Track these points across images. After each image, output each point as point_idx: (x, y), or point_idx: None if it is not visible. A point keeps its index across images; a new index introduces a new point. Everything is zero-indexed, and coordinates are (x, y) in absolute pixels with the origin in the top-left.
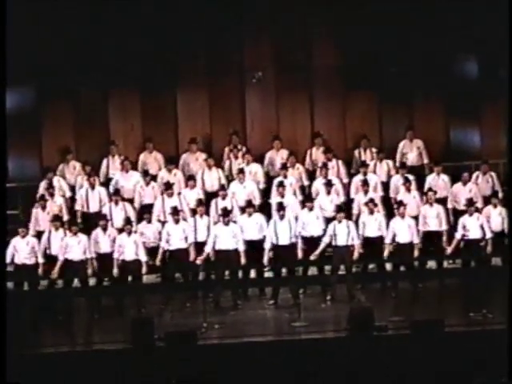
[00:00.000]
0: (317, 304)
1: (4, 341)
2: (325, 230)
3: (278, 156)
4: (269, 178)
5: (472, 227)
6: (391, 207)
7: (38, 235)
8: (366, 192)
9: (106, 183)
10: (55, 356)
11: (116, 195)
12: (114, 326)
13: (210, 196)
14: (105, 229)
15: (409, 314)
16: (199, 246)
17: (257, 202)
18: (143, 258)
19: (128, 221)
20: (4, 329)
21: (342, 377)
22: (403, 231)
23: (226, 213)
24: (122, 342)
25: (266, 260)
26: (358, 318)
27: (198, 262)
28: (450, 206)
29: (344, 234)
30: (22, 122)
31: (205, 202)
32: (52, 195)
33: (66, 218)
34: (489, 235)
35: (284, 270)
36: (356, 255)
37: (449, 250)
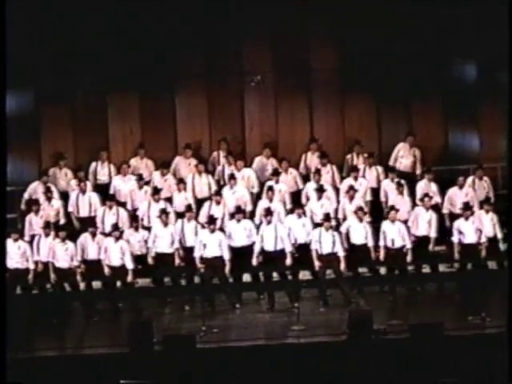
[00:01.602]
0: (315, 308)
1: (4, 342)
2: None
3: (268, 163)
4: (260, 184)
5: (467, 231)
6: (380, 212)
7: (32, 240)
8: (351, 198)
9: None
10: (53, 359)
11: (110, 200)
12: (112, 329)
13: (200, 202)
14: (94, 235)
15: (408, 318)
16: (186, 251)
17: (248, 207)
18: (129, 265)
19: (116, 226)
20: (4, 330)
21: (341, 381)
22: (394, 236)
23: (212, 220)
24: (120, 345)
25: (254, 261)
26: (357, 322)
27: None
28: (445, 211)
29: (329, 242)
30: (21, 125)
31: (194, 208)
32: (49, 199)
33: (62, 221)
34: (484, 239)
35: (275, 275)
36: (343, 266)
37: (456, 255)
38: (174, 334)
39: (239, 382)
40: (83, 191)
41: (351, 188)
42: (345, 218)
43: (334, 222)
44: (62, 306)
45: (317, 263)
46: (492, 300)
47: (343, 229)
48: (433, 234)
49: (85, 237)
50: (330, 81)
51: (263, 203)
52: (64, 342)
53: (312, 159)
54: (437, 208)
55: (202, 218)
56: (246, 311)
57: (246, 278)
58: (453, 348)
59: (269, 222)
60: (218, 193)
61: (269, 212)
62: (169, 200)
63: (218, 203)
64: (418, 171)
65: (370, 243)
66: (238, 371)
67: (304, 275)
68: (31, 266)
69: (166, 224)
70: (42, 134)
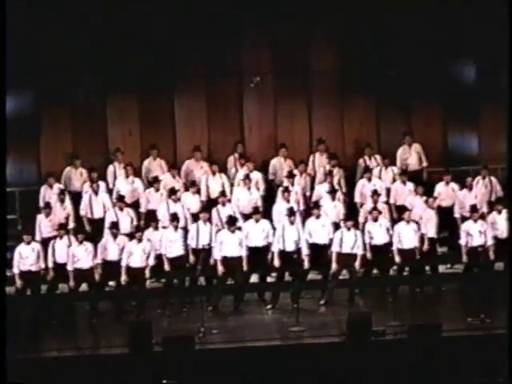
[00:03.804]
0: (315, 309)
1: (4, 342)
2: (331, 239)
3: (285, 164)
4: (271, 186)
5: (475, 233)
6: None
7: (42, 242)
8: (375, 202)
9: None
10: (54, 360)
11: (120, 201)
12: (112, 330)
13: (214, 202)
14: (115, 236)
15: (407, 319)
16: (199, 252)
17: (260, 209)
18: (151, 261)
19: (138, 228)
20: (4, 331)
21: (340, 382)
22: (409, 236)
23: (232, 220)
24: (120, 346)
25: (277, 263)
26: (356, 323)
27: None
28: (457, 215)
29: (351, 241)
30: (20, 126)
31: (208, 209)
32: (62, 201)
33: (71, 224)
34: (490, 242)
35: (287, 275)
36: (359, 264)
37: (464, 258)
38: (172, 336)
39: (238, 383)
40: (95, 192)
41: (375, 192)
42: (365, 221)
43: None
44: (68, 307)
45: (334, 265)
46: (492, 301)
47: (366, 234)
48: (434, 235)
49: (106, 239)
50: (329, 82)
51: (280, 205)
52: (64, 343)
53: (321, 160)
54: (451, 210)
55: (214, 220)
56: (245, 312)
57: (254, 278)
58: (451, 349)
59: (292, 223)
60: (223, 194)
61: (292, 212)
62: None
63: (224, 204)
64: (424, 164)
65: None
66: (236, 372)
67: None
68: (43, 265)
69: (176, 227)
70: (42, 135)
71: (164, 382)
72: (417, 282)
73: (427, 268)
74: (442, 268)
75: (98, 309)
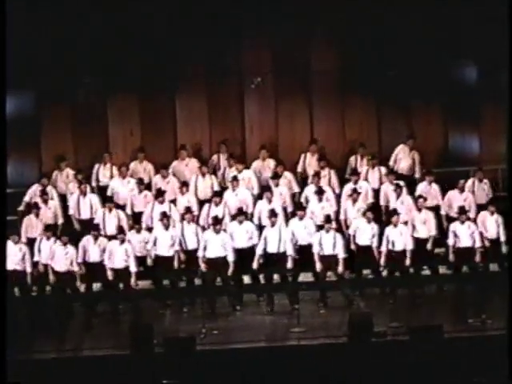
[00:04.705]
0: (315, 310)
1: (4, 343)
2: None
3: (265, 165)
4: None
5: (463, 235)
6: (380, 214)
7: (29, 242)
8: (354, 201)
9: (96, 189)
10: (54, 361)
11: (110, 202)
12: (113, 331)
13: (203, 203)
14: (96, 238)
15: (407, 320)
16: (186, 254)
17: (250, 209)
18: (133, 268)
19: (121, 229)
20: (4, 331)
21: (341, 383)
22: (396, 239)
23: (217, 221)
24: (121, 347)
25: (255, 265)
26: (357, 324)
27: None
28: (443, 212)
29: (330, 244)
30: (21, 126)
31: (197, 209)
32: (46, 201)
33: (60, 221)
34: (478, 244)
35: (276, 277)
36: (341, 268)
37: (451, 257)
38: (174, 336)
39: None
40: (84, 194)
41: (354, 191)
42: (346, 221)
43: (334, 224)
44: (63, 308)
45: (318, 265)
46: (492, 302)
47: (351, 230)
48: (432, 233)
49: (87, 239)
50: (329, 82)
51: (262, 204)
52: (64, 344)
53: (311, 161)
54: (437, 210)
55: (203, 219)
56: (246, 313)
57: (246, 279)
58: (452, 350)
59: (273, 224)
60: (217, 194)
61: (273, 214)
62: (172, 202)
63: (217, 204)
64: (417, 174)
65: (375, 244)
66: (237, 373)
67: (305, 277)
68: (29, 269)
69: (167, 227)
70: (42, 135)
71: (164, 382)
72: (414, 283)
73: (424, 268)
74: (442, 269)
75: (96, 309)
